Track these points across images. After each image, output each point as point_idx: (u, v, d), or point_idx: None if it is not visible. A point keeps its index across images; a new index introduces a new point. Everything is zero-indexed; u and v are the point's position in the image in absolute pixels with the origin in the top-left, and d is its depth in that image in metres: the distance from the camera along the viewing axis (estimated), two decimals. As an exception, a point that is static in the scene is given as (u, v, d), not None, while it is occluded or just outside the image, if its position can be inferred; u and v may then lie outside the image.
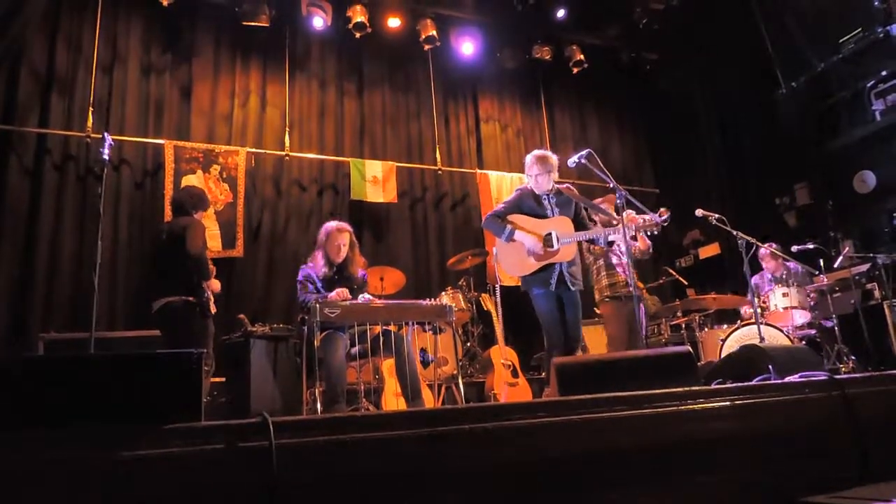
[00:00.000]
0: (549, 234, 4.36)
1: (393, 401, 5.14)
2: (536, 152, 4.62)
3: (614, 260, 5.31)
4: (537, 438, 1.86)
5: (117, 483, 1.45)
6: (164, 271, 4.44)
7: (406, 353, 4.34)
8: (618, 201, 4.18)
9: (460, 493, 1.73)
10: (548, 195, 4.49)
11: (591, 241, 4.72)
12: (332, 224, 4.73)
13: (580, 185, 8.85)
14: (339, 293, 4.33)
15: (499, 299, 6.24)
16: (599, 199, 5.24)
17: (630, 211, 5.00)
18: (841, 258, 6.12)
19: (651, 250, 5.35)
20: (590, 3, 8.17)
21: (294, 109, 7.46)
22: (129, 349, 5.09)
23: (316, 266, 4.62)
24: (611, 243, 5.17)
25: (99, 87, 6.48)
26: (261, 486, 1.51)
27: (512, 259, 4.44)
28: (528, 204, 4.47)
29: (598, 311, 5.64)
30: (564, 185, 4.66)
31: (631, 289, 5.23)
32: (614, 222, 4.61)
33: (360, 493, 1.64)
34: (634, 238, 5.29)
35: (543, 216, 4.45)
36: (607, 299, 5.30)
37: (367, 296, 4.54)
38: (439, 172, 8.04)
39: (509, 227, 4.37)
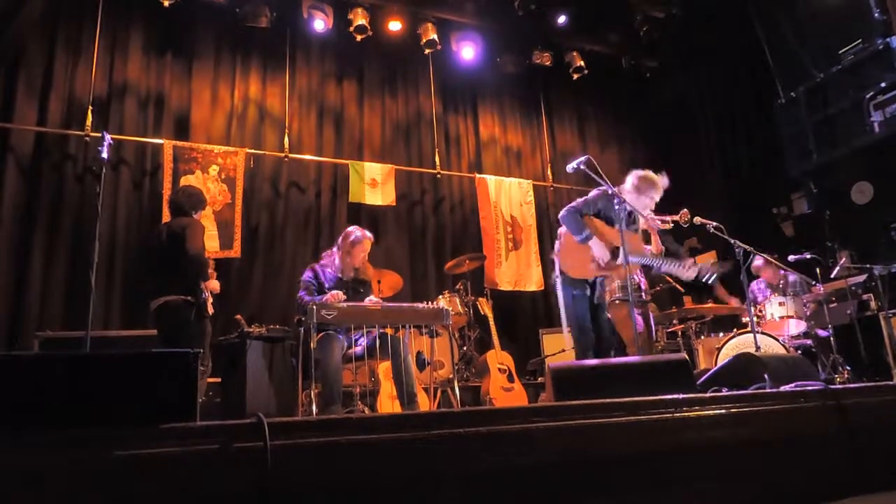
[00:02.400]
0: (617, 248, 4.21)
1: (388, 403, 5.14)
2: (653, 175, 4.47)
3: None
4: (533, 444, 1.86)
5: (112, 483, 1.44)
6: (163, 271, 4.43)
7: (403, 357, 4.34)
8: (616, 207, 4.18)
9: (455, 497, 1.73)
10: (624, 207, 4.30)
11: (649, 267, 4.57)
12: (360, 232, 4.74)
13: (579, 190, 8.90)
14: (334, 295, 4.33)
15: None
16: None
17: (648, 212, 5.02)
18: (837, 268, 6.13)
19: (662, 255, 5.33)
20: (590, 10, 8.21)
21: (293, 111, 7.47)
22: (126, 348, 5.08)
23: (331, 267, 4.63)
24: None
25: (98, 86, 6.48)
26: (255, 487, 1.51)
27: (574, 259, 4.33)
28: (604, 205, 4.37)
29: (608, 314, 5.54)
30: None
31: (644, 293, 5.25)
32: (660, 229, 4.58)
33: (354, 495, 1.64)
34: (648, 241, 5.30)
35: (612, 222, 4.34)
36: (619, 301, 5.17)
37: (373, 297, 4.58)
38: (438, 176, 8.05)
39: (587, 230, 4.26)
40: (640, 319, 5.17)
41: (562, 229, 4.44)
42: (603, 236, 4.27)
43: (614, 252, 4.25)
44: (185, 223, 4.48)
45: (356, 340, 4.46)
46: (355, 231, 4.75)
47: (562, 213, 4.38)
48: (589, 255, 4.29)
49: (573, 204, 4.38)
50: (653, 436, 2.04)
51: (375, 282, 5.97)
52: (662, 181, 4.51)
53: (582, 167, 4.38)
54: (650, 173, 4.49)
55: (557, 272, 4.42)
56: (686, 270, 4.32)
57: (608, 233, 4.32)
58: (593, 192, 4.44)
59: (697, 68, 8.89)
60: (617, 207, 4.17)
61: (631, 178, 4.46)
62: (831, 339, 5.83)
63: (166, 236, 4.50)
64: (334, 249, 4.77)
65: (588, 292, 4.35)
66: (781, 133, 7.72)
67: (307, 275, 4.61)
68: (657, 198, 4.46)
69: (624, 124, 9.58)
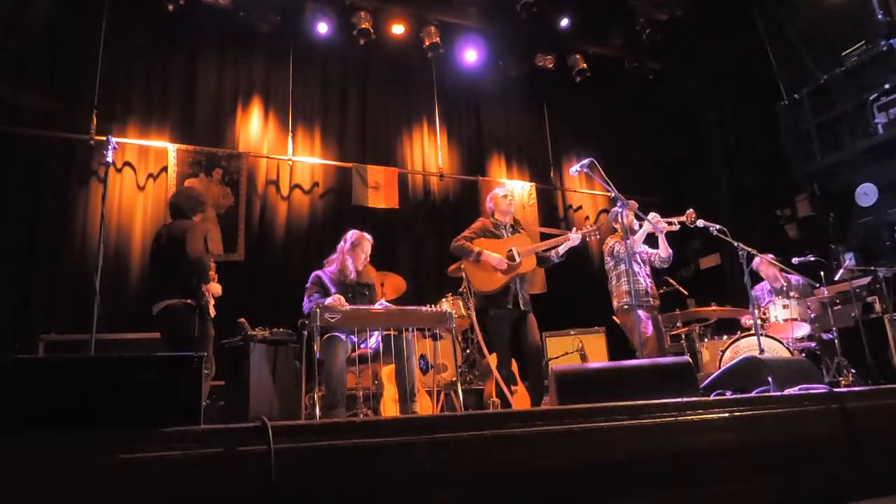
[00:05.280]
0: (510, 249, 4.85)
1: (392, 406, 5.13)
2: (497, 191, 5.24)
3: (636, 267, 5.20)
4: (536, 447, 1.86)
5: (116, 485, 1.45)
6: (164, 274, 4.42)
7: (406, 359, 4.33)
8: (618, 208, 4.20)
9: (458, 500, 1.73)
10: (504, 225, 5.06)
11: (552, 250, 5.07)
12: (359, 232, 4.85)
13: (582, 193, 8.91)
14: (336, 300, 4.34)
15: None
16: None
17: (655, 214, 5.04)
18: (842, 271, 6.11)
19: (671, 259, 5.31)
20: (593, 13, 8.20)
21: (297, 114, 7.48)
22: (130, 351, 5.09)
23: (334, 270, 4.65)
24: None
25: (103, 89, 6.50)
26: (259, 491, 1.51)
27: (480, 276, 4.89)
28: (484, 228, 5.02)
29: (616, 320, 5.50)
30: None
31: (652, 299, 5.22)
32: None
33: (357, 498, 1.64)
34: (655, 245, 5.28)
35: (500, 237, 4.97)
36: (627, 307, 5.14)
37: (384, 302, 4.60)
38: (441, 179, 8.05)
39: (476, 249, 4.82)
40: (649, 324, 5.14)
41: (462, 263, 5.01)
42: (492, 248, 4.87)
43: (510, 255, 4.85)
44: (185, 226, 4.46)
45: (361, 343, 4.46)
46: (355, 233, 4.80)
47: (452, 245, 4.99)
48: (490, 268, 4.83)
49: (460, 235, 4.99)
50: (656, 439, 2.04)
51: (379, 284, 5.97)
52: (509, 194, 5.24)
53: (585, 170, 4.40)
54: (500, 191, 5.26)
55: (472, 302, 4.98)
56: (570, 240, 4.93)
57: (494, 243, 4.93)
58: (477, 222, 5.12)
59: (700, 70, 8.89)
60: (620, 209, 4.26)
61: (489, 203, 5.19)
62: (836, 341, 5.79)
63: (166, 239, 4.49)
64: (335, 255, 4.79)
65: (510, 306, 4.81)
66: (785, 135, 7.70)
67: (311, 280, 4.63)
68: (513, 207, 5.19)
69: (627, 126, 9.54)
